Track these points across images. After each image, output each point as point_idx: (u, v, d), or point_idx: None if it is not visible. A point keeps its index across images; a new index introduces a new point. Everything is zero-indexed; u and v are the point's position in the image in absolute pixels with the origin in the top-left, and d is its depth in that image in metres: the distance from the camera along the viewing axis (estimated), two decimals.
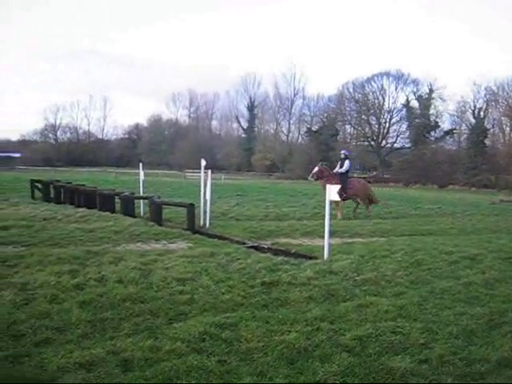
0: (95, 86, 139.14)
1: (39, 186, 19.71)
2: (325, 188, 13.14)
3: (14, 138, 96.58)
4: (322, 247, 8.58)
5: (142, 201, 15.03)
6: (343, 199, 15.73)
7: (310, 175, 17.11)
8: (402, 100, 76.36)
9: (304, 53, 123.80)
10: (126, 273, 6.48)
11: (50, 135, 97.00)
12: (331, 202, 8.94)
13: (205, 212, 12.67)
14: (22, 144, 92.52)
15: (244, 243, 9.89)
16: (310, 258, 8.44)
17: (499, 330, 4.95)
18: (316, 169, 16.92)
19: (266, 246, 9.61)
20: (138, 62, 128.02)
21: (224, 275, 6.70)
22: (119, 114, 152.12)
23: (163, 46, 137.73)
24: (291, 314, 5.13)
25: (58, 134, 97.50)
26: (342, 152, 17.71)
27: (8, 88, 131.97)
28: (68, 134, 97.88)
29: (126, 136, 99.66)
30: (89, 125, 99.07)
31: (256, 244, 9.84)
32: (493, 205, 32.79)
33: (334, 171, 16.98)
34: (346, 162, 16.82)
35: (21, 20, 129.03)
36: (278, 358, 3.97)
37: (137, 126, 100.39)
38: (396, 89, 76.44)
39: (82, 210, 14.67)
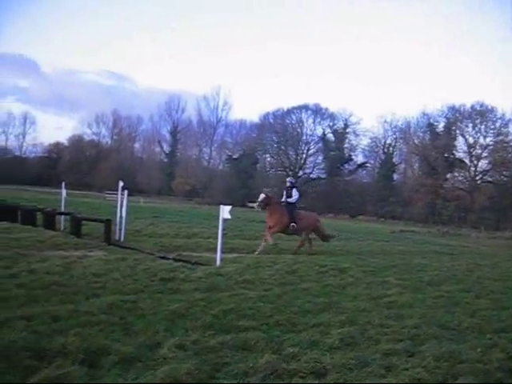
0: (14, 99, 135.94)
1: None
2: (272, 217, 14.85)
3: None
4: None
5: (62, 216, 16.34)
6: (294, 232, 15.33)
7: (257, 204, 15.29)
8: (318, 133, 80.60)
9: (228, 80, 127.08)
10: (52, 268, 8.18)
11: None
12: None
13: (120, 228, 14.23)
14: None
15: (152, 254, 11.54)
16: (205, 266, 10.25)
17: (330, 311, 6.95)
18: (262, 196, 15.03)
19: (170, 257, 11.30)
20: (62, 79, 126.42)
21: (131, 272, 8.50)
22: (39, 132, 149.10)
23: (88, 63, 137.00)
24: (179, 297, 6.96)
25: None
26: (288, 180, 16.29)
27: None
28: None
29: (46, 155, 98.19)
30: (6, 141, 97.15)
31: (162, 255, 11.51)
32: (392, 234, 35.90)
33: (282, 200, 15.56)
34: (295, 191, 15.38)
35: None
36: (161, 318, 5.77)
37: (57, 145, 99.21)
38: (314, 122, 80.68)
39: (4, 222, 15.78)
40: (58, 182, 20.75)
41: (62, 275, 7.75)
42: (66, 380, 3.83)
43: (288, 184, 15.91)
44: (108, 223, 13.42)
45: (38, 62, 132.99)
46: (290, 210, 15.10)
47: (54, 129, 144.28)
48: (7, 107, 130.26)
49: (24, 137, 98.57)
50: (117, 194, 15.09)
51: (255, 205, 15.70)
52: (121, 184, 14.80)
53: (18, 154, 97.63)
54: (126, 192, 14.45)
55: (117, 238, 14.03)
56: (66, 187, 17.96)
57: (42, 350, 4.36)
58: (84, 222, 14.66)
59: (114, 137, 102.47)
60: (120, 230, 14.21)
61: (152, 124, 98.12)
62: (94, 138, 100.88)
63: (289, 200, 15.34)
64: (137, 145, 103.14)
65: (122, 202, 14.58)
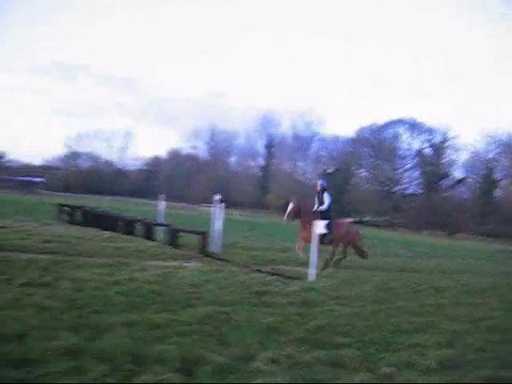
0: (118, 114, 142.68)
1: (67, 209, 21.68)
2: (305, 228, 12.72)
3: (37, 162, 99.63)
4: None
5: (160, 227, 16.91)
6: (329, 243, 13.24)
7: (285, 216, 13.29)
8: (415, 147, 78.54)
9: (323, 94, 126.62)
10: (151, 277, 8.47)
11: (71, 162, 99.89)
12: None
13: (215, 240, 14.52)
14: (45, 169, 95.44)
15: (247, 267, 11.67)
16: (299, 280, 10.23)
17: (427, 331, 6.73)
18: (291, 206, 13.20)
19: (264, 270, 11.36)
20: (162, 95, 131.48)
21: (226, 284, 8.65)
22: (140, 146, 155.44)
23: (188, 81, 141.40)
24: (273, 310, 6.98)
25: (80, 161, 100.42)
26: (319, 183, 13.87)
27: (31, 111, 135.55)
28: (89, 162, 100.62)
29: (145, 167, 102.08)
30: (110, 154, 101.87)
31: (257, 268, 11.60)
32: (493, 253, 34.26)
33: (315, 209, 13.25)
34: (326, 196, 13.30)
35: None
36: (256, 331, 5.80)
37: (156, 159, 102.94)
38: (410, 136, 78.71)
39: (107, 232, 16.58)
40: (156, 193, 21.57)
41: (160, 284, 8.02)
42: None
43: (319, 188, 13.65)
44: (204, 235, 13.74)
45: (139, 80, 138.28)
46: (324, 218, 12.92)
47: (153, 143, 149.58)
48: (111, 123, 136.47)
49: (126, 150, 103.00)
50: (212, 207, 15.40)
51: (284, 218, 13.43)
52: (217, 197, 15.12)
53: (120, 166, 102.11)
54: (222, 205, 14.75)
55: (212, 249, 14.30)
56: (164, 199, 18.58)
57: (141, 356, 4.51)
58: (181, 233, 15.06)
59: (211, 151, 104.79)
60: (215, 242, 14.49)
61: (247, 138, 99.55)
62: (191, 151, 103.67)
63: (321, 208, 13.18)
64: (232, 159, 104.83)
65: (217, 214, 14.88)
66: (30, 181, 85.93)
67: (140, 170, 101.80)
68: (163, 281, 8.38)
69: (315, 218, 12.19)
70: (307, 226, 12.57)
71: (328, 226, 12.92)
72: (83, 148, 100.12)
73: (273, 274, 10.55)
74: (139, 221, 17.29)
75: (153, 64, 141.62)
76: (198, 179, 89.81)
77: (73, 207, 21.64)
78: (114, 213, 20.31)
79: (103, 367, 4.14)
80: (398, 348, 5.77)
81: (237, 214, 54.14)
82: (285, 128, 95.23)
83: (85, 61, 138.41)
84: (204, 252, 13.30)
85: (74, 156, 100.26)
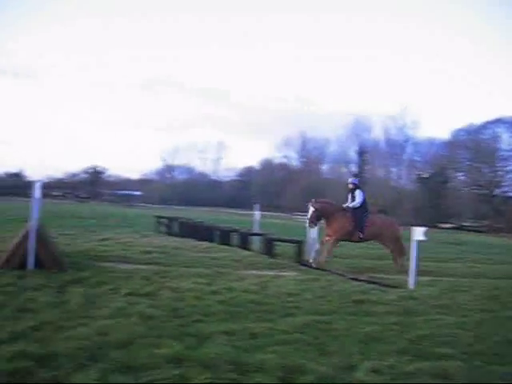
0: (211, 127, 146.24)
1: (164, 221, 22.40)
2: (331, 226, 13.16)
3: (135, 177, 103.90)
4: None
5: (255, 237, 17.06)
6: (359, 240, 13.65)
7: (308, 221, 13.57)
8: None
9: (416, 96, 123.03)
10: (248, 286, 8.60)
11: (167, 175, 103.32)
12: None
13: (311, 249, 14.45)
14: (142, 183, 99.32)
15: (344, 275, 11.53)
16: (398, 288, 9.99)
17: None
18: (312, 210, 13.35)
19: (361, 278, 11.18)
20: (252, 106, 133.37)
21: (324, 293, 8.59)
22: (233, 156, 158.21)
23: (277, 89, 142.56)
24: (372, 319, 6.86)
25: (175, 174, 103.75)
26: (350, 181, 14.25)
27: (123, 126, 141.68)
28: (184, 175, 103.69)
29: (239, 178, 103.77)
30: (204, 166, 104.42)
31: (354, 276, 11.43)
32: None
33: (345, 206, 13.66)
34: (358, 193, 13.56)
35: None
36: (355, 340, 5.72)
37: (249, 169, 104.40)
38: (511, 137, 74.95)
39: (204, 242, 16.96)
40: (250, 203, 21.85)
41: (258, 294, 8.11)
42: None
43: (350, 186, 13.95)
44: (299, 245, 13.74)
45: (230, 92, 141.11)
46: (355, 215, 13.24)
47: (245, 153, 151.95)
48: (205, 135, 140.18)
49: (219, 162, 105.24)
50: (306, 216, 15.35)
51: (307, 224, 13.71)
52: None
53: (214, 178, 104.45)
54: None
55: (308, 258, 14.25)
56: (258, 209, 18.75)
57: (243, 365, 4.57)
58: (276, 242, 15.13)
59: (302, 159, 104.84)
60: (311, 250, 14.43)
61: (339, 145, 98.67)
62: (283, 160, 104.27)
63: (353, 204, 13.45)
64: (324, 166, 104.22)
65: None
66: (129, 194, 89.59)
67: (233, 181, 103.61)
68: (261, 290, 8.48)
69: (343, 216, 13.10)
70: (332, 224, 13.22)
71: (360, 223, 13.14)
72: (178, 161, 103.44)
73: (370, 283, 10.38)
74: (235, 231, 17.56)
75: (243, 75, 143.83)
76: (290, 188, 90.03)
77: (170, 219, 22.33)
78: (209, 223, 20.76)
79: (206, 375, 4.23)
80: (508, 361, 5.48)
81: None
82: (377, 133, 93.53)
83: (178, 75, 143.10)
84: (299, 262, 13.29)
85: (169, 169, 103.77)
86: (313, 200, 13.74)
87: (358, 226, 13.22)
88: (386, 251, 14.27)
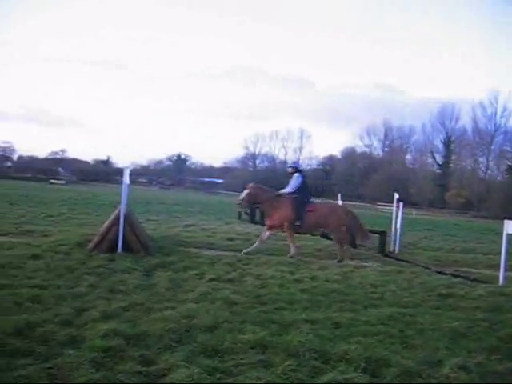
0: (293, 115, 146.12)
1: (246, 209, 22.58)
2: (269, 215, 11.88)
3: (218, 164, 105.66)
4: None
5: None
6: (299, 231, 12.24)
7: (238, 202, 12.74)
8: None
9: (507, 85, 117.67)
10: (331, 276, 8.60)
11: (249, 163, 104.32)
12: None
13: (395, 240, 14.23)
14: (225, 171, 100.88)
15: (428, 268, 11.26)
16: (486, 284, 9.63)
17: None
18: (245, 192, 12.25)
19: (447, 272, 10.87)
20: (335, 94, 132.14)
21: (408, 285, 8.44)
22: (315, 145, 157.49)
23: (359, 78, 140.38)
24: (459, 314, 6.66)
25: (257, 162, 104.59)
26: (289, 164, 13.08)
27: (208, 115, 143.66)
28: (266, 163, 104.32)
29: (321, 167, 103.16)
30: (285, 154, 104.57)
31: (439, 269, 11.14)
32: None
33: (280, 192, 12.07)
34: (295, 177, 12.00)
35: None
36: (441, 335, 5.58)
37: (331, 158, 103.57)
38: None
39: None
40: (331, 193, 21.58)
41: (341, 283, 8.09)
42: None
43: (290, 170, 12.40)
44: (383, 235, 13.54)
45: (311, 80, 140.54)
46: (293, 201, 11.63)
47: (327, 142, 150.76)
48: (287, 123, 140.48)
49: (301, 150, 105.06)
50: (389, 206, 15.08)
51: (237, 203, 12.93)
52: (396, 196, 14.82)
53: None
54: (401, 204, 14.42)
55: (391, 249, 14.04)
56: (341, 198, 18.62)
57: (326, 354, 4.58)
58: None
59: (386, 148, 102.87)
60: (395, 242, 14.20)
61: (424, 134, 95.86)
62: (366, 149, 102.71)
63: (285, 191, 11.92)
64: (408, 156, 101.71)
65: (396, 213, 14.57)
66: (212, 181, 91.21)
67: (315, 170, 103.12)
68: (343, 280, 8.45)
69: (280, 203, 11.64)
70: (272, 213, 11.84)
71: (298, 213, 11.58)
72: (260, 149, 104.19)
73: (456, 276, 10.07)
74: None
75: (326, 63, 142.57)
76: (373, 178, 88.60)
77: (252, 206, 22.53)
78: None
79: (290, 362, 4.27)
80: None
81: (414, 213, 52.52)
82: (465, 121, 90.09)
83: (262, 64, 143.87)
84: (383, 252, 13.10)
85: (251, 157, 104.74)
86: (250, 184, 12.67)
87: (296, 213, 11.66)
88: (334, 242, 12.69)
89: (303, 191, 11.92)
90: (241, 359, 4.35)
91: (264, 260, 10.00)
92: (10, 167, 77.00)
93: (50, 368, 3.88)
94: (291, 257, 11.07)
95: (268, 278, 8.10)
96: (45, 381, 3.66)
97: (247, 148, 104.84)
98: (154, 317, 5.32)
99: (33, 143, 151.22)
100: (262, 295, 6.83)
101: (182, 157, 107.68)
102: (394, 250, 13.93)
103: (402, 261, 12.13)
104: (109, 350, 4.29)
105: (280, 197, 11.89)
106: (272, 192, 12.15)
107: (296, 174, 11.99)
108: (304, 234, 13.15)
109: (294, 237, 11.80)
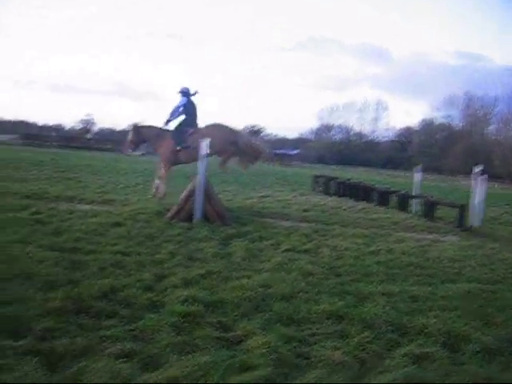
0: (370, 86, 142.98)
1: (321, 180, 22.52)
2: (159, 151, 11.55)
3: (292, 136, 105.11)
4: None
5: (414, 200, 16.58)
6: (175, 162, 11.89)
7: (124, 148, 12.42)
8: None
9: None
10: (408, 249, 8.51)
11: (324, 135, 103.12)
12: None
13: (475, 215, 13.74)
14: (299, 142, 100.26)
15: (510, 244, 10.86)
16: None
17: None
18: (129, 135, 11.92)
19: None
20: (413, 64, 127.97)
21: (487, 261, 8.24)
22: (392, 116, 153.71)
23: (437, 47, 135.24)
24: None
25: (332, 133, 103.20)
26: (180, 89, 11.83)
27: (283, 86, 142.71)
28: (340, 135, 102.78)
29: (397, 139, 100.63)
30: (361, 126, 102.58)
31: None
32: None
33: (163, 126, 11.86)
34: (180, 100, 11.67)
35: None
36: None
37: (408, 129, 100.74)
38: None
39: (361, 203, 16.86)
40: (408, 165, 21.02)
41: (418, 257, 7.98)
42: (428, 358, 3.93)
43: (179, 95, 11.80)
44: (462, 208, 13.13)
45: (388, 49, 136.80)
46: (174, 132, 11.48)
47: (404, 113, 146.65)
48: (363, 94, 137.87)
49: (377, 122, 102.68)
50: (472, 179, 14.56)
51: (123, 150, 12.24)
52: (478, 168, 14.26)
53: (371, 138, 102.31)
54: (483, 177, 13.87)
55: (471, 224, 13.61)
56: (420, 171, 18.14)
57: (403, 327, 4.56)
58: (437, 206, 14.60)
59: (466, 119, 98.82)
60: (475, 216, 13.74)
61: (509, 104, 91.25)
62: (445, 121, 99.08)
63: (165, 122, 11.57)
64: (491, 127, 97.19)
65: (478, 187, 14.05)
66: (286, 153, 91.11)
67: (392, 142, 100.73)
68: (421, 253, 8.33)
69: (166, 137, 11.46)
70: (159, 150, 11.61)
71: (179, 138, 11.39)
72: (335, 120, 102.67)
73: None
74: (394, 192, 17.24)
75: (402, 31, 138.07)
76: (452, 150, 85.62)
77: (327, 178, 22.42)
78: (367, 184, 20.52)
79: (366, 333, 4.28)
80: None
81: (498, 187, 50.53)
82: None
83: (337, 34, 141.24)
84: (462, 226, 12.72)
85: (326, 128, 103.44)
86: (131, 125, 12.28)
87: (178, 141, 11.50)
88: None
89: (187, 118, 11.75)
90: (317, 329, 4.41)
91: (339, 232, 9.96)
92: (90, 139, 79.61)
93: (132, 330, 4.06)
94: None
95: (343, 249, 8.10)
96: (129, 341, 3.84)
97: (322, 119, 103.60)
98: (231, 285, 5.44)
99: (114, 116, 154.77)
100: (337, 266, 6.86)
101: (256, 128, 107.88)
102: (474, 225, 13.47)
103: (483, 236, 11.74)
104: (188, 316, 4.44)
105: (166, 131, 11.80)
106: (160, 128, 11.90)
107: (183, 98, 11.75)
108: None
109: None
